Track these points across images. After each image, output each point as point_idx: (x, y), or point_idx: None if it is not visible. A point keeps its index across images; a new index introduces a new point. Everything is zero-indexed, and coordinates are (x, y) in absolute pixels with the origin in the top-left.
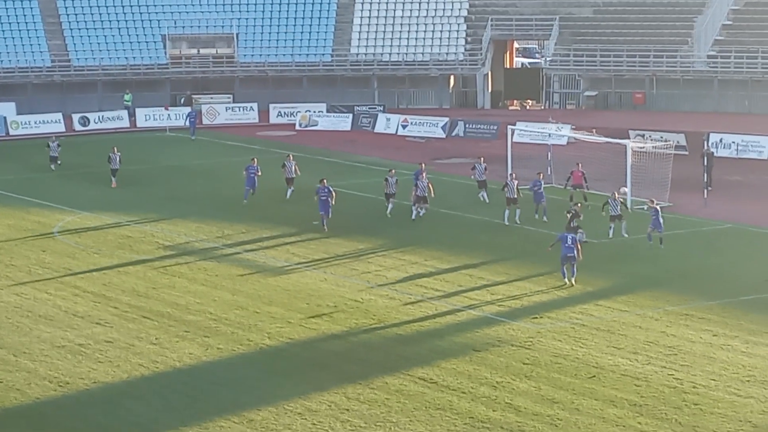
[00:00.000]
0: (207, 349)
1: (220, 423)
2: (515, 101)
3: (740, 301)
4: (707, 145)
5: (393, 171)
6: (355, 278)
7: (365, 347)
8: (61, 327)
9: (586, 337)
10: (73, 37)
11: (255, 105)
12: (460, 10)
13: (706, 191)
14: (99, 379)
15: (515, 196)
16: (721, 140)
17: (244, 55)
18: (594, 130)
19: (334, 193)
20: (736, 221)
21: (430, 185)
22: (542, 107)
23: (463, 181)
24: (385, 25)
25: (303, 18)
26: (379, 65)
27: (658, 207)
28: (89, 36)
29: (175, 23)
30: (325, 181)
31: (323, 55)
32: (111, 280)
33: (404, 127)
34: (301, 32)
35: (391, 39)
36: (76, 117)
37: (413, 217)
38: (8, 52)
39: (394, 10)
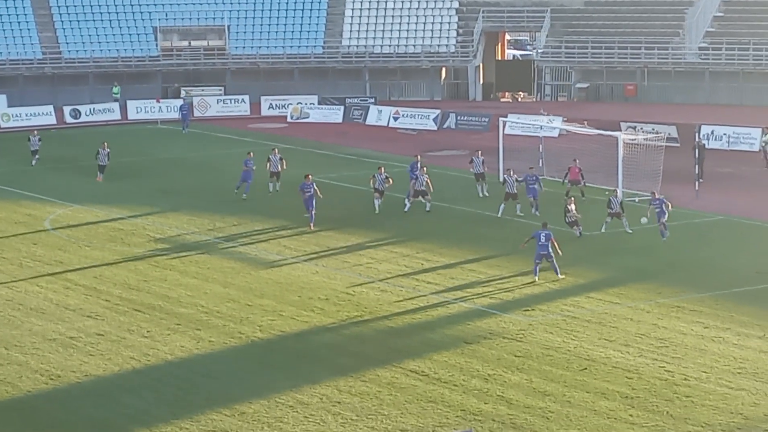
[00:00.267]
0: (198, 342)
1: (212, 416)
2: (507, 93)
3: (732, 293)
4: (699, 137)
5: (382, 168)
6: (347, 271)
7: (357, 340)
8: (52, 320)
9: (577, 330)
10: (64, 29)
11: (246, 97)
12: (451, 1)
13: (697, 183)
14: (90, 372)
15: (515, 191)
16: (712, 132)
17: (236, 47)
18: (585, 122)
19: (318, 190)
20: (728, 213)
21: (428, 181)
22: (534, 99)
23: (455, 174)
24: (376, 17)
25: (294, 10)
26: (370, 57)
27: (662, 197)
28: (80, 28)
29: (166, 15)
30: (310, 176)
31: (315, 47)
32: (102, 272)
33: (396, 119)
34: (293, 24)
35: (383, 31)
36: (67, 109)
37: (406, 209)
38: None
39: (386, 2)
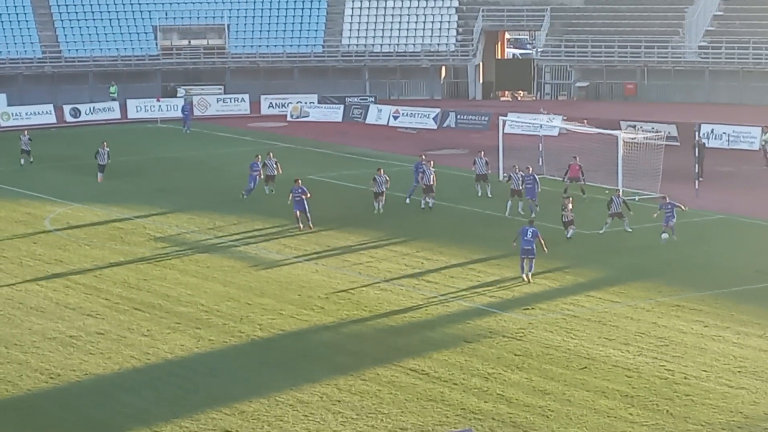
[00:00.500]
0: (198, 341)
1: (212, 414)
2: (506, 92)
3: (731, 291)
4: (698, 136)
5: (382, 170)
6: (347, 269)
7: (357, 338)
8: (52, 319)
9: (577, 329)
10: (63, 28)
11: (246, 96)
12: (451, 0)
13: (697, 182)
14: (90, 371)
15: (520, 187)
16: (712, 131)
17: (236, 46)
18: (585, 121)
19: (308, 194)
20: (728, 212)
21: (434, 177)
22: (533, 98)
23: (455, 173)
24: (376, 16)
25: (294, 9)
26: (370, 56)
27: (673, 202)
28: (80, 27)
29: (166, 14)
30: (299, 181)
31: (314, 46)
32: (102, 271)
33: (396, 118)
34: (293, 23)
35: (383, 30)
36: (67, 108)
37: (407, 201)
38: None
39: (386, 1)
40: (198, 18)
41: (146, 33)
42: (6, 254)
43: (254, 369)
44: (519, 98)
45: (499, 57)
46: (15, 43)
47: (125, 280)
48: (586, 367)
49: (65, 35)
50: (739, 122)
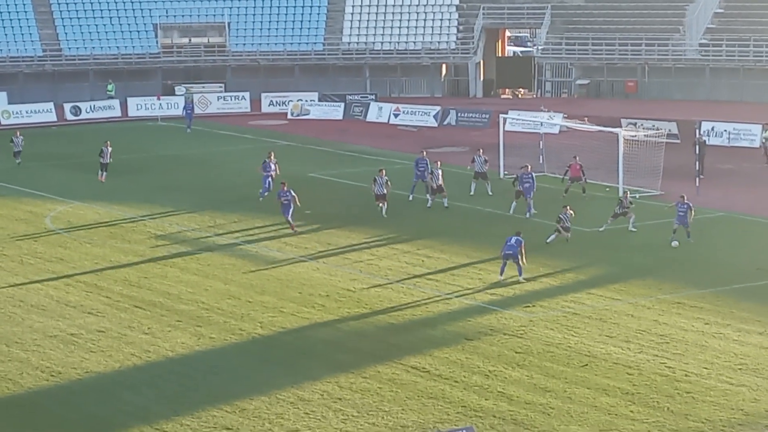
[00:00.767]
0: (199, 339)
1: (213, 412)
2: (507, 90)
3: (732, 289)
4: (699, 134)
5: (383, 171)
6: (348, 267)
7: (358, 336)
8: (53, 317)
9: (578, 326)
10: (64, 26)
11: (247, 94)
12: None
13: (698, 180)
14: (91, 369)
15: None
16: (713, 128)
17: (236, 44)
18: (586, 119)
19: (296, 197)
20: (728, 209)
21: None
22: (534, 96)
23: (456, 171)
24: (376, 13)
25: (295, 7)
26: (370, 54)
27: (689, 203)
28: (80, 25)
29: (166, 12)
30: (285, 185)
31: (315, 44)
32: (103, 269)
33: (396, 115)
34: (293, 21)
35: (383, 28)
36: (67, 106)
37: (410, 198)
38: None
39: None
40: (198, 16)
41: (147, 31)
42: (7, 252)
43: (255, 367)
44: (520, 96)
45: (500, 55)
46: (15, 42)
47: (126, 278)
48: (586, 365)
49: (66, 33)
50: (740, 120)
